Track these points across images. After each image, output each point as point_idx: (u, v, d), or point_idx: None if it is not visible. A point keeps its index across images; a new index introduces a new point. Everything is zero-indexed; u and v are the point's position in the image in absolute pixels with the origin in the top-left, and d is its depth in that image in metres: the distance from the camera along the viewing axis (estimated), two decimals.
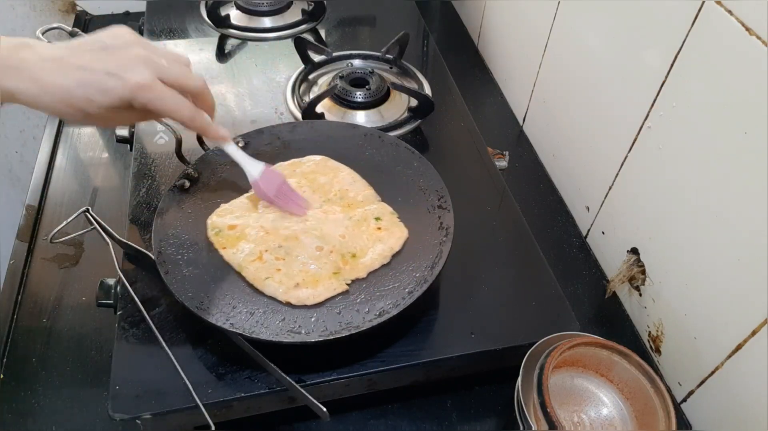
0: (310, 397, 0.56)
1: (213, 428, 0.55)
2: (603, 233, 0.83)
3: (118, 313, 0.63)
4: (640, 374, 0.58)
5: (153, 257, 0.63)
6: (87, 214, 0.67)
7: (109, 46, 0.53)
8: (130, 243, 0.67)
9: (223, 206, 0.70)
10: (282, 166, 0.75)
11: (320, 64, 1.00)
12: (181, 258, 0.64)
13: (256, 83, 0.96)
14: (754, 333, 0.57)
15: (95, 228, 0.66)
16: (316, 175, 0.74)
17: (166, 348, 0.60)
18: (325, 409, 0.55)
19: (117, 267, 0.65)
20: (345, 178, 0.73)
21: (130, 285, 0.65)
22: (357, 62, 1.01)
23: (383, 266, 0.65)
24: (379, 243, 0.66)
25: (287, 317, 0.60)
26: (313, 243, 0.65)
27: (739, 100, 0.56)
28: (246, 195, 0.72)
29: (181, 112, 0.56)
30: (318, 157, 0.76)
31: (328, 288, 0.62)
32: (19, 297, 0.75)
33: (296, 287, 0.61)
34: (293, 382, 0.57)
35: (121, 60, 0.52)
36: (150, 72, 0.53)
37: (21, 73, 0.50)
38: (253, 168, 0.68)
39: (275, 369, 0.57)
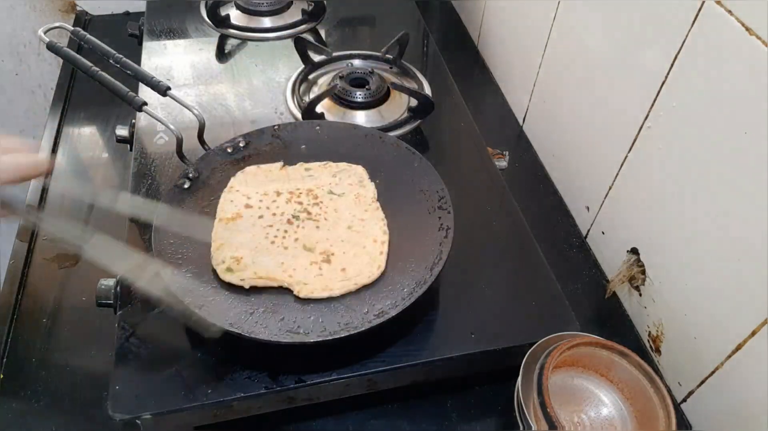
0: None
1: None
2: (603, 233, 0.83)
3: (118, 313, 0.63)
4: (640, 374, 0.58)
5: None
6: None
7: None
8: None
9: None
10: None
11: (320, 64, 1.00)
12: (181, 257, 0.64)
13: (256, 83, 0.96)
14: (754, 333, 0.57)
15: None
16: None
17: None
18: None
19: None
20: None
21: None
22: (357, 62, 1.01)
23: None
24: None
25: (286, 317, 0.60)
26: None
27: (739, 100, 0.56)
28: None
29: None
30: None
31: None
32: (19, 297, 0.75)
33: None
34: None
35: None
36: None
37: None
38: None
39: None
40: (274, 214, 0.70)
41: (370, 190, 0.74)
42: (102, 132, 1.00)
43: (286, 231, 0.68)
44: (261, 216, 0.70)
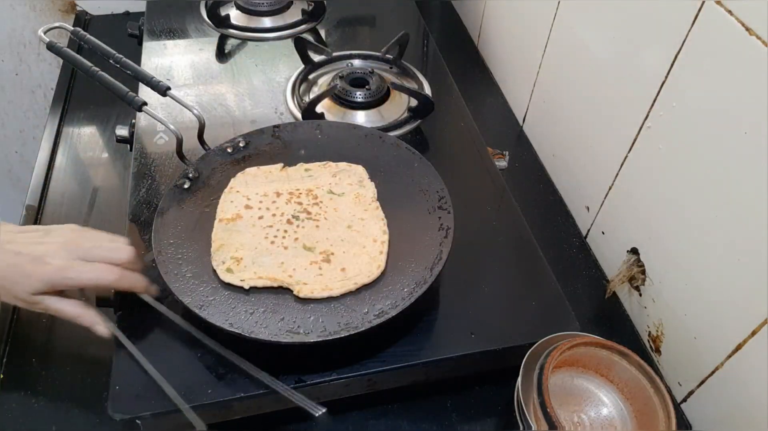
0: (301, 397, 0.56)
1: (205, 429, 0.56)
2: (603, 233, 0.83)
3: (118, 313, 0.63)
4: (640, 374, 0.58)
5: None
6: None
7: (44, 235, 0.59)
8: None
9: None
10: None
11: (320, 64, 1.00)
12: (181, 257, 0.64)
13: (256, 83, 0.96)
14: (754, 333, 0.57)
15: None
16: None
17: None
18: (323, 410, 0.55)
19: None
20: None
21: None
22: (357, 62, 1.01)
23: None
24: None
25: (286, 317, 0.60)
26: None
27: (739, 99, 0.56)
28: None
29: (104, 278, 0.58)
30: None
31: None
32: None
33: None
34: (286, 386, 0.57)
35: (48, 247, 0.57)
36: (69, 254, 0.57)
37: None
38: None
39: (266, 375, 0.57)
40: (273, 215, 0.70)
41: (370, 189, 0.74)
42: (102, 132, 1.00)
43: (285, 231, 0.68)
44: (261, 217, 0.70)
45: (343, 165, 0.77)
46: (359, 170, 0.76)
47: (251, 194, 0.72)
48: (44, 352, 0.70)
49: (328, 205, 0.72)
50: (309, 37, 1.03)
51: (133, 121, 0.86)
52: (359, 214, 0.71)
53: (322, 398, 0.62)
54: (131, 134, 0.86)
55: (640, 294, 0.75)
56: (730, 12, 0.55)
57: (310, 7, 1.11)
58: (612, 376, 0.62)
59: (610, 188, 0.79)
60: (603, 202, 0.81)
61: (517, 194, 0.80)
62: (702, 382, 0.65)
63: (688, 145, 0.63)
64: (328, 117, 0.90)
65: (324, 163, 0.77)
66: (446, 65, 1.02)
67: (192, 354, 0.60)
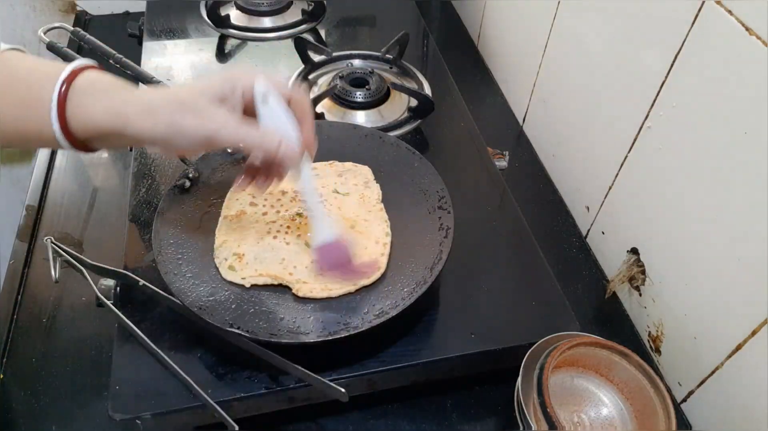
0: (325, 381, 0.56)
1: (237, 428, 0.55)
2: (603, 233, 0.83)
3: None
4: (640, 374, 0.58)
5: (131, 276, 0.63)
6: (52, 244, 0.65)
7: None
8: (102, 265, 0.65)
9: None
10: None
11: (320, 64, 1.00)
12: (181, 257, 0.64)
13: None
14: (754, 333, 0.57)
15: (65, 258, 0.65)
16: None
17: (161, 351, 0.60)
18: (343, 390, 0.55)
19: (96, 292, 0.63)
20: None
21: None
22: (357, 62, 1.01)
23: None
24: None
25: (287, 317, 0.60)
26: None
27: (739, 100, 0.56)
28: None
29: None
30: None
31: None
32: (19, 297, 0.75)
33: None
34: (306, 371, 0.57)
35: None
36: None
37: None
38: (321, 232, 0.62)
39: (285, 361, 0.57)
40: (278, 212, 0.70)
41: (375, 191, 0.73)
42: None
43: (288, 227, 0.68)
44: (265, 213, 0.70)
45: (349, 165, 0.77)
46: (365, 171, 0.76)
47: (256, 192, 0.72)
48: (44, 352, 0.70)
49: (332, 204, 0.72)
50: (309, 37, 1.03)
51: None
52: (363, 215, 0.71)
53: (323, 398, 0.62)
54: None
55: (640, 294, 0.75)
56: (730, 12, 0.55)
57: (310, 7, 1.11)
58: (612, 376, 0.62)
59: (610, 188, 0.79)
60: (603, 201, 0.81)
61: (517, 194, 0.80)
62: (702, 382, 0.65)
63: (688, 145, 0.63)
64: (328, 117, 0.90)
65: (330, 162, 0.77)
66: (446, 65, 1.02)
67: (191, 354, 0.60)
